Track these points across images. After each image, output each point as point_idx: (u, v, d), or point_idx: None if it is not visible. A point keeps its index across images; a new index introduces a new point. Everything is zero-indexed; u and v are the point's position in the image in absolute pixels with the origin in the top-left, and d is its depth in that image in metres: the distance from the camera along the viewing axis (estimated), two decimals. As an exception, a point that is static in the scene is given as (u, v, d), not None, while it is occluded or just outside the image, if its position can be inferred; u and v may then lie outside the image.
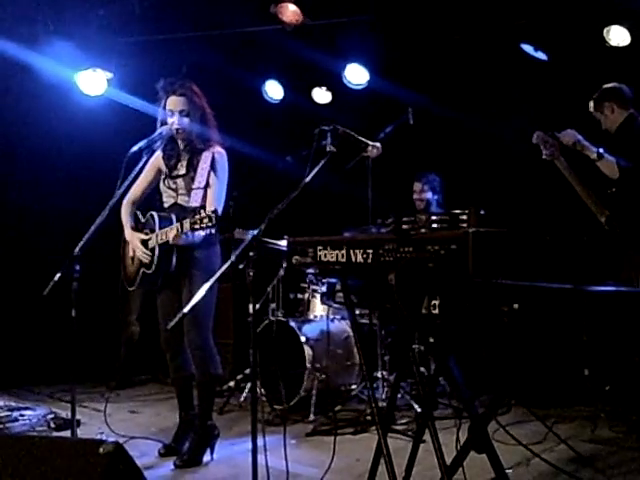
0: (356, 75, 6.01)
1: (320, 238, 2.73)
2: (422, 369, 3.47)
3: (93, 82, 5.53)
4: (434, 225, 2.08)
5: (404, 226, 2.13)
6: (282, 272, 5.23)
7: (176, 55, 5.63)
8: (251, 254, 2.81)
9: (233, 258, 2.79)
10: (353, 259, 2.48)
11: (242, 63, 6.06)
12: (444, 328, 2.40)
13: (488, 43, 5.43)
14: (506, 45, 5.34)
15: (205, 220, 3.32)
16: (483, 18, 5.32)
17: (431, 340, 2.61)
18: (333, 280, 4.49)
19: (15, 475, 1.95)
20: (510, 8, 5.17)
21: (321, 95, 6.49)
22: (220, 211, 3.58)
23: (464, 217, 2.05)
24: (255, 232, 2.85)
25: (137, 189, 3.94)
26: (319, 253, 2.71)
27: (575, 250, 2.07)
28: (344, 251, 2.54)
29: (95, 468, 1.86)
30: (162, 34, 5.37)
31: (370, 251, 2.36)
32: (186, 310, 2.74)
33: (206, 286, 2.82)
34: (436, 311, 2.33)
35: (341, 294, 3.44)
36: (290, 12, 4.73)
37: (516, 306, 2.03)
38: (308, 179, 2.93)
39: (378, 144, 3.46)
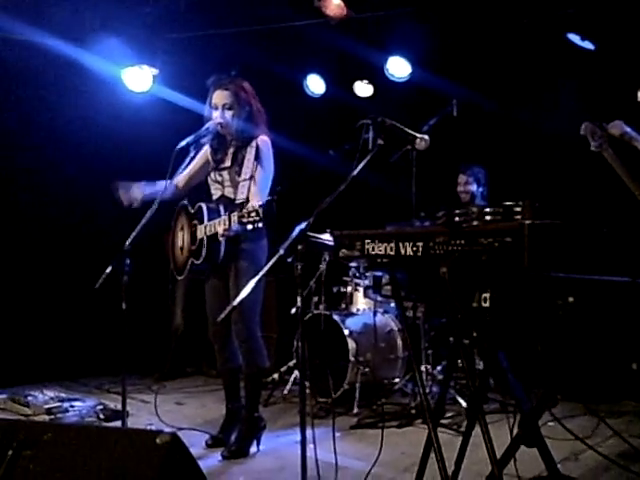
0: (398, 68, 5.98)
1: (368, 231, 2.73)
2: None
3: (139, 79, 5.61)
4: (487, 217, 2.07)
5: (456, 219, 2.11)
6: (324, 266, 5.25)
7: (219, 51, 5.67)
8: (299, 247, 2.82)
9: (282, 251, 2.80)
10: (402, 252, 2.47)
11: (283, 58, 6.06)
12: (495, 322, 2.39)
13: (533, 33, 5.34)
14: (552, 35, 5.24)
15: (252, 214, 3.34)
16: (528, 8, 5.24)
17: (474, 334, 2.59)
18: (379, 273, 4.52)
19: (74, 464, 2.00)
20: (556, -3, 5.08)
21: (363, 88, 6.47)
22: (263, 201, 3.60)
23: (517, 209, 2.03)
24: (303, 225, 2.85)
25: (182, 175, 3.98)
26: (367, 246, 2.71)
27: (632, 243, 2.04)
28: (393, 244, 2.53)
29: (152, 458, 1.90)
30: (206, 30, 5.41)
31: (420, 244, 2.35)
32: (236, 303, 2.78)
33: (255, 279, 2.84)
34: (487, 304, 2.31)
35: (388, 287, 3.45)
36: (334, 6, 4.72)
37: (571, 299, 2.01)
38: (356, 172, 2.93)
39: (426, 136, 3.43)
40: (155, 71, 5.56)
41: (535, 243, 1.90)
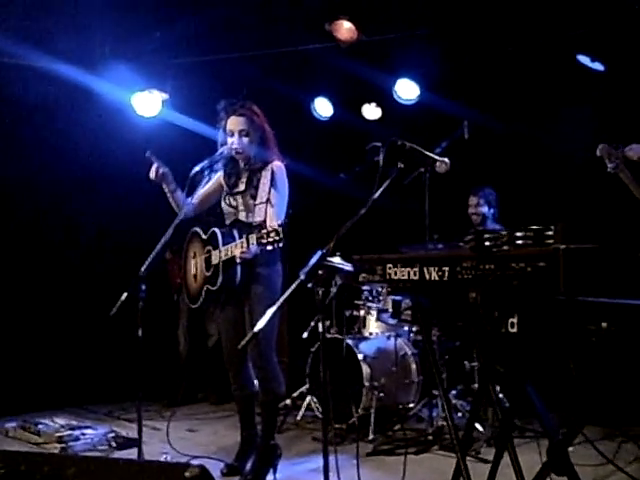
0: (407, 90, 5.98)
1: (390, 256, 2.70)
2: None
3: (148, 103, 5.62)
4: (518, 242, 2.03)
5: (485, 243, 2.08)
6: (335, 290, 5.20)
7: (228, 75, 5.68)
8: (320, 272, 2.79)
9: (302, 276, 2.76)
10: (427, 277, 2.44)
11: (291, 81, 6.08)
12: (523, 347, 2.34)
13: (543, 55, 5.35)
14: (562, 56, 5.25)
15: (272, 234, 3.32)
16: (537, 30, 5.25)
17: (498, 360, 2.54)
18: (398, 297, 4.48)
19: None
20: (565, 19, 5.09)
21: (371, 111, 6.46)
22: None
23: (549, 233, 2.00)
24: (324, 250, 2.82)
25: (199, 194, 3.95)
26: (388, 271, 2.67)
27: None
28: (417, 268, 2.50)
29: (181, 492, 1.84)
30: (215, 54, 5.42)
31: (446, 268, 2.31)
32: (257, 329, 2.73)
33: (276, 305, 2.80)
34: (514, 330, 2.27)
35: (407, 312, 3.41)
36: (345, 29, 4.73)
37: (605, 325, 1.97)
38: (376, 195, 2.90)
39: (446, 159, 3.42)
40: (165, 96, 5.56)
41: (570, 268, 1.87)
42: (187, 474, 1.86)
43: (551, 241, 1.99)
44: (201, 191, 3.95)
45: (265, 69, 5.79)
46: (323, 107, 6.48)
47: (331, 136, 6.63)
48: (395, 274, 2.62)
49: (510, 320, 2.25)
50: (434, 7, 5.10)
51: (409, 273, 2.54)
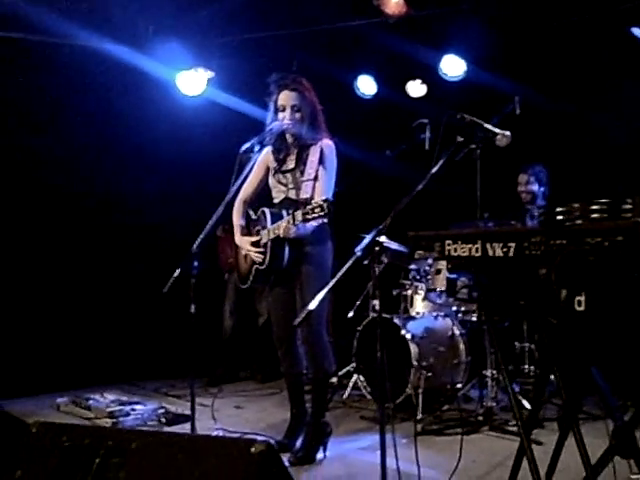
0: (452, 66, 5.87)
1: (449, 232, 2.64)
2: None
3: (193, 82, 5.60)
4: (593, 215, 1.95)
5: (558, 217, 2.00)
6: (380, 268, 5.15)
7: (272, 53, 5.63)
8: (376, 249, 2.74)
9: (358, 253, 2.73)
10: (490, 253, 2.37)
11: (334, 58, 6.00)
12: (591, 326, 2.27)
13: (594, 28, 5.18)
14: (614, 30, 5.08)
15: (317, 209, 3.28)
16: (588, 3, 5.09)
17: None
18: (453, 276, 4.42)
19: (164, 473, 1.94)
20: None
21: (416, 88, 6.36)
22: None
23: (626, 206, 1.92)
24: (380, 227, 2.77)
25: (248, 188, 3.95)
26: (447, 247, 2.60)
27: None
28: (479, 245, 2.43)
29: (248, 468, 1.83)
30: (260, 32, 5.37)
31: (512, 244, 2.24)
32: (312, 307, 2.70)
33: (331, 282, 2.77)
34: (582, 308, 2.20)
35: (464, 290, 3.34)
36: (393, 4, 4.63)
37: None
38: (435, 169, 2.84)
39: (508, 132, 3.33)
40: (211, 74, 5.54)
41: (651, 242, 1.79)
42: (253, 449, 1.85)
43: (629, 215, 1.91)
44: (250, 185, 3.94)
45: (309, 47, 5.73)
46: (367, 85, 6.40)
47: (375, 114, 6.55)
48: (455, 251, 2.56)
49: (577, 298, 2.18)
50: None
51: (470, 249, 2.47)
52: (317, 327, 3.74)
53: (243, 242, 3.90)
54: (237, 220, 3.97)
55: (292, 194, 3.82)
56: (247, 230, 3.97)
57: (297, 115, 3.75)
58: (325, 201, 3.29)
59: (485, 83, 5.62)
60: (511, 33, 5.50)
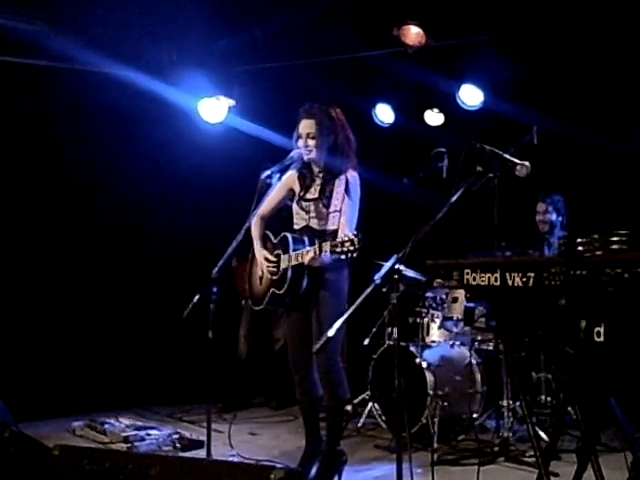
0: (470, 96, 5.91)
1: (468, 260, 2.65)
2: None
3: (214, 110, 5.69)
4: (613, 246, 1.96)
5: (578, 247, 2.01)
6: (395, 296, 5.15)
7: (292, 82, 5.72)
8: (395, 277, 2.76)
9: (378, 280, 2.74)
10: (509, 282, 2.38)
11: (352, 87, 6.07)
12: (610, 357, 2.27)
13: (614, 58, 5.21)
14: (633, 60, 5.10)
15: (347, 244, 3.30)
16: (607, 32, 5.12)
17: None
18: (471, 305, 4.42)
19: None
20: (637, 20, 4.95)
21: (433, 117, 6.40)
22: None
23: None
24: (399, 255, 2.79)
25: (267, 205, 3.96)
26: (466, 276, 2.62)
27: None
28: (498, 274, 2.44)
29: (267, 494, 1.83)
30: (281, 61, 5.45)
31: (531, 274, 2.25)
32: (331, 333, 2.72)
33: (351, 309, 2.79)
34: (600, 339, 2.20)
35: (482, 319, 3.33)
36: (413, 34, 4.69)
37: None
38: (454, 199, 2.86)
39: (527, 163, 3.35)
40: (232, 102, 5.62)
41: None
42: (272, 476, 1.85)
43: (648, 247, 1.92)
44: (270, 202, 3.95)
45: (328, 76, 5.80)
46: (385, 113, 6.45)
47: (393, 142, 6.60)
48: (474, 279, 2.57)
49: (597, 329, 2.19)
50: (500, 12, 5.03)
51: (489, 279, 2.48)
52: (332, 354, 3.74)
53: (261, 254, 3.91)
54: (256, 232, 3.97)
55: (313, 223, 3.84)
56: (265, 249, 3.99)
57: (311, 142, 3.78)
58: (356, 236, 3.31)
59: (503, 113, 5.65)
60: (529, 63, 5.54)
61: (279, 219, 4.15)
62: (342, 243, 3.27)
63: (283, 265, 3.77)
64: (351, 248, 3.25)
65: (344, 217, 3.70)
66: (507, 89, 5.74)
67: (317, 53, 5.57)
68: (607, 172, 5.43)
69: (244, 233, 3.55)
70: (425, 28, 4.75)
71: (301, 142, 3.81)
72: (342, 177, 3.76)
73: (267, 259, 3.85)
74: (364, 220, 5.42)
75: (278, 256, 3.84)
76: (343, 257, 3.27)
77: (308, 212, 3.86)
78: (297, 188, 3.94)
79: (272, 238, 3.96)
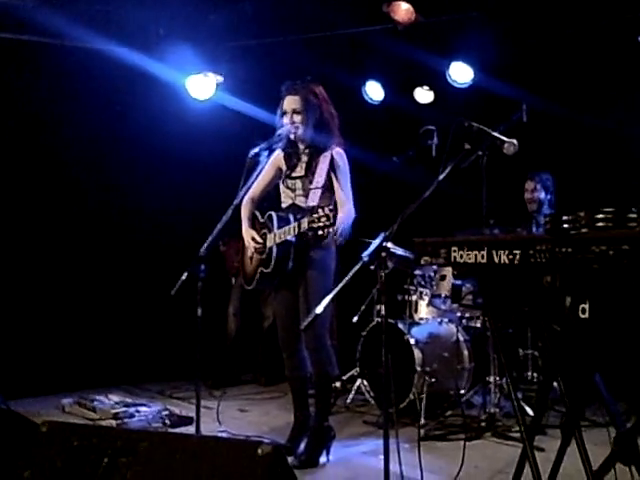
0: (460, 73, 5.88)
1: (455, 238, 2.66)
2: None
3: (202, 86, 5.63)
4: (599, 224, 1.98)
5: (564, 225, 2.03)
6: (383, 274, 5.17)
7: (281, 58, 5.67)
8: (383, 254, 2.77)
9: (365, 258, 2.75)
10: (496, 260, 2.39)
11: (342, 64, 6.03)
12: (594, 334, 2.29)
13: (603, 37, 5.20)
14: (624, 38, 5.09)
15: (323, 219, 3.32)
16: (598, 11, 5.10)
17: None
18: (458, 282, 4.44)
19: (172, 474, 1.97)
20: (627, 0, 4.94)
21: (423, 95, 6.38)
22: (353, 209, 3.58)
23: (631, 215, 1.94)
24: (387, 233, 2.80)
25: (257, 187, 3.97)
26: (453, 254, 2.63)
27: None
28: (484, 252, 2.45)
29: (254, 470, 1.85)
30: (270, 37, 5.41)
31: (517, 252, 2.27)
32: (319, 311, 2.73)
33: (339, 286, 2.80)
34: (585, 315, 2.23)
35: (469, 296, 3.35)
36: (403, 11, 4.66)
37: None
38: (442, 176, 2.86)
39: (515, 141, 3.35)
40: (220, 78, 5.57)
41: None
42: (260, 451, 1.87)
43: (634, 224, 1.93)
44: (259, 184, 3.96)
45: (317, 52, 5.76)
46: (374, 91, 6.42)
47: (382, 120, 6.58)
48: (461, 257, 2.58)
49: (581, 306, 2.21)
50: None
51: (476, 256, 2.49)
52: (320, 331, 3.76)
53: (248, 233, 3.92)
54: (245, 214, 3.99)
55: (299, 201, 3.85)
56: (253, 229, 4.00)
57: (297, 118, 3.77)
58: (331, 211, 3.34)
59: (493, 90, 5.63)
60: (520, 40, 5.52)
61: (269, 198, 4.15)
62: (318, 218, 3.29)
63: (269, 244, 3.79)
64: (327, 223, 3.28)
65: (340, 193, 3.74)
66: (497, 67, 5.72)
67: (307, 30, 5.52)
68: (595, 150, 5.44)
69: (232, 211, 3.53)
70: (415, 5, 4.73)
71: (287, 119, 3.80)
72: (327, 154, 3.77)
73: (254, 239, 3.86)
74: (354, 198, 5.44)
75: (264, 235, 3.85)
76: (320, 232, 3.28)
77: (294, 190, 3.87)
78: (284, 167, 3.93)
79: (260, 218, 3.97)
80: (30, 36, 5.05)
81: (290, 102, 3.81)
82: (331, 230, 3.44)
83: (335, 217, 3.38)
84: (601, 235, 1.94)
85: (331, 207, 3.46)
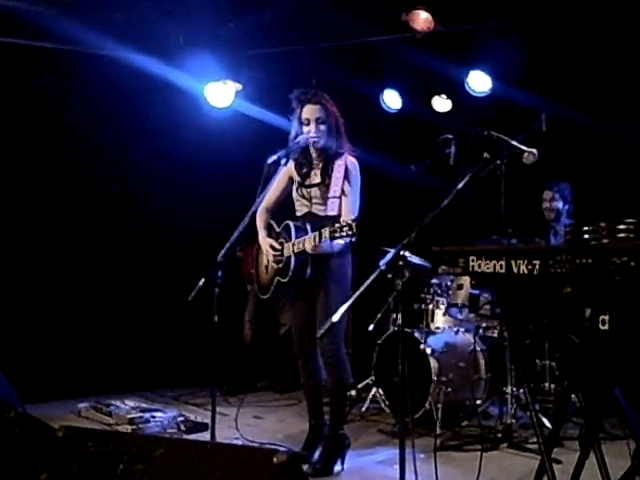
0: (479, 82, 5.87)
1: (473, 248, 2.65)
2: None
3: (221, 94, 5.65)
4: (620, 235, 1.96)
5: (584, 235, 2.01)
6: (400, 283, 5.15)
7: (300, 66, 5.69)
8: (400, 263, 2.76)
9: (382, 266, 2.74)
10: (515, 270, 2.38)
11: (361, 72, 6.04)
12: (614, 345, 2.26)
13: (623, 46, 5.16)
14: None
15: (345, 229, 3.32)
16: (617, 19, 5.07)
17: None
18: (475, 291, 4.41)
19: None
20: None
21: (441, 103, 6.36)
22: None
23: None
24: (405, 241, 2.79)
25: (270, 197, 3.99)
26: (472, 263, 2.62)
27: None
28: (503, 262, 2.44)
29: (270, 478, 1.84)
30: (289, 46, 5.42)
31: (537, 262, 2.25)
32: (335, 319, 2.72)
33: (354, 295, 2.79)
34: (605, 327, 2.20)
35: (487, 306, 3.33)
36: (422, 20, 4.65)
37: None
38: (461, 185, 2.85)
39: (534, 150, 3.33)
40: (239, 86, 5.59)
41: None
42: (275, 459, 1.87)
43: (656, 236, 1.91)
44: (273, 194, 3.97)
45: (336, 60, 5.77)
46: (392, 99, 6.42)
47: (400, 128, 6.57)
48: (479, 267, 2.57)
49: (602, 317, 2.18)
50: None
51: (494, 266, 2.48)
52: (336, 339, 3.76)
53: (266, 242, 3.93)
54: (261, 223, 4.01)
55: (316, 209, 3.85)
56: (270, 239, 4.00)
57: (322, 127, 3.79)
58: (353, 221, 3.34)
59: (511, 99, 5.61)
60: (538, 49, 5.50)
61: (283, 207, 4.15)
62: (341, 228, 3.29)
63: (286, 253, 3.79)
64: (349, 232, 3.28)
65: (346, 203, 3.72)
66: (515, 76, 5.69)
67: (325, 38, 5.53)
68: (614, 160, 5.39)
69: (250, 218, 3.54)
70: (434, 13, 4.72)
71: (311, 128, 3.79)
72: (341, 162, 3.77)
73: (272, 247, 3.86)
74: (371, 206, 5.42)
75: (282, 244, 3.85)
76: (342, 242, 3.28)
77: (310, 198, 3.86)
78: (296, 177, 3.94)
79: (276, 227, 3.97)
80: (51, 43, 5.11)
81: (313, 111, 3.81)
82: (354, 240, 3.43)
83: (357, 227, 3.36)
84: (623, 246, 1.92)
85: (354, 217, 3.46)
